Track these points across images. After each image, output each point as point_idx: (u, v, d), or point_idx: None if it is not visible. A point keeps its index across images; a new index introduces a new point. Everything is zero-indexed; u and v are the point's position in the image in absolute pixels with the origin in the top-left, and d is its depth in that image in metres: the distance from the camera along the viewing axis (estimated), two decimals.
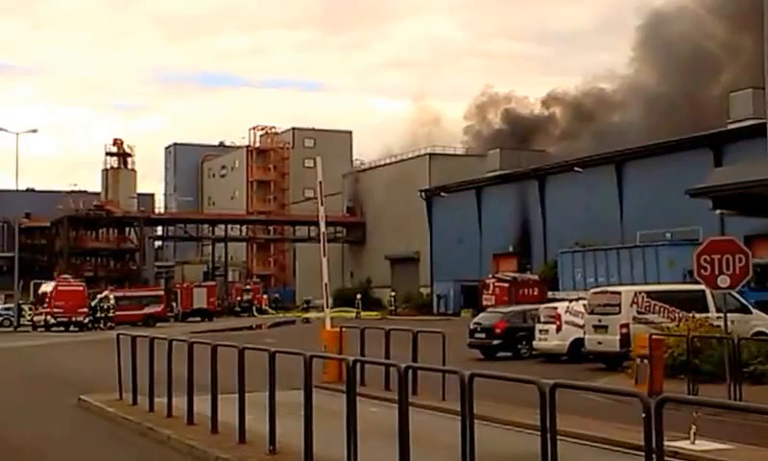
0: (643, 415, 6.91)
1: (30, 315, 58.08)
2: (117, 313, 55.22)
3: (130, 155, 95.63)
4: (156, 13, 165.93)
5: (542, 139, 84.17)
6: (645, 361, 17.10)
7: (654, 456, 6.95)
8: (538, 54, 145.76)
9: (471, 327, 29.04)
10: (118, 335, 17.58)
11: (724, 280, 16.33)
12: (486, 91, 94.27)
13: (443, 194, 73.99)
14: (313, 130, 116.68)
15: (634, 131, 65.73)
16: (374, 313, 66.44)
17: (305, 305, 78.95)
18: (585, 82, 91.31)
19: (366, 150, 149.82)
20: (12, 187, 74.73)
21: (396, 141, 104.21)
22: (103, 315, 54.94)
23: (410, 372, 12.12)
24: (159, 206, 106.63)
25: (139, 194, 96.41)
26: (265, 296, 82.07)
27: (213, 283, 76.64)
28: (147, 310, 58.48)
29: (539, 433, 7.92)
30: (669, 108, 66.27)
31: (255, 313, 74.00)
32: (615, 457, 11.43)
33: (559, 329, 25.70)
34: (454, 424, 8.70)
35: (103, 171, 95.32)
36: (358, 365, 13.63)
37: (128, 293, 63.77)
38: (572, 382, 9.67)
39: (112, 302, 56.15)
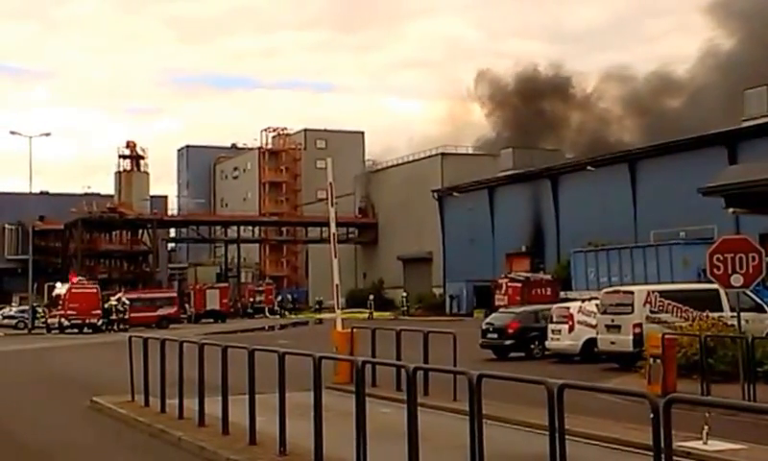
0: (651, 415, 6.87)
1: (44, 317, 58.34)
2: (131, 315, 55.27)
3: (142, 157, 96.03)
4: (169, 16, 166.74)
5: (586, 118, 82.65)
6: (658, 361, 17.02)
7: (663, 456, 6.91)
8: (552, 53, 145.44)
9: (484, 327, 28.99)
10: (130, 337, 17.65)
11: (737, 279, 16.24)
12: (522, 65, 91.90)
13: (455, 194, 73.92)
14: (325, 131, 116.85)
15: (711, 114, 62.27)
16: (387, 314, 66.54)
17: (317, 306, 79.02)
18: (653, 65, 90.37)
19: (379, 150, 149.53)
20: (26, 190, 75.08)
21: (419, 139, 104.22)
22: (117, 317, 55.09)
23: (421, 373, 12.14)
24: (172, 208, 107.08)
25: (152, 196, 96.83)
26: (279, 297, 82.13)
27: (226, 285, 76.84)
28: (160, 312, 58.62)
29: (548, 433, 7.89)
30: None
31: (268, 314, 74.09)
32: (626, 457, 11.39)
33: (571, 329, 25.60)
34: (465, 424, 8.69)
35: (116, 173, 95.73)
36: (369, 366, 13.70)
37: (141, 295, 63.96)
38: (580, 383, 9.63)
39: (126, 303, 56.26)
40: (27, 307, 60.95)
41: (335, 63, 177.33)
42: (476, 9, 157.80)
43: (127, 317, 54.43)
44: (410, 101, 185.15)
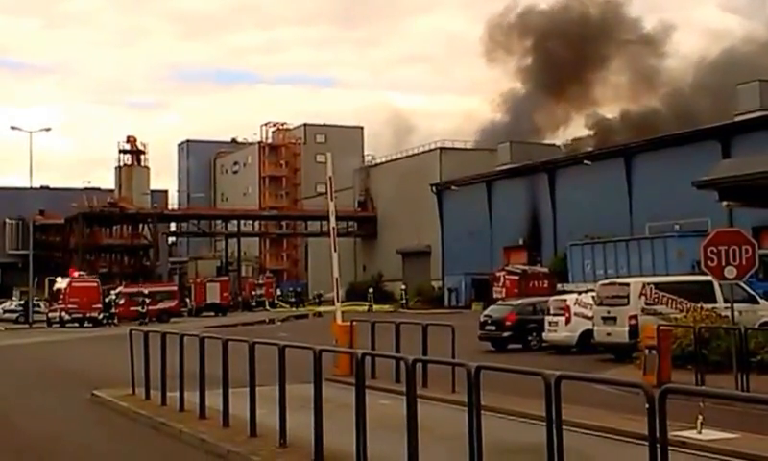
0: (647, 406, 7.01)
1: (45, 311, 58.46)
2: (132, 309, 55.41)
3: (143, 152, 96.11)
4: (171, 11, 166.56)
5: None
6: (653, 352, 17.22)
7: (658, 446, 7.05)
8: None
9: (482, 319, 29.20)
10: (131, 331, 17.76)
11: (731, 271, 16.43)
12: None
13: (453, 188, 74.08)
14: (324, 125, 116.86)
15: None
16: (386, 306, 66.64)
17: (317, 299, 79.19)
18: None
19: (379, 144, 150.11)
20: (27, 185, 75.22)
21: (419, 134, 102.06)
22: (116, 311, 55.24)
23: (420, 365, 12.30)
24: (173, 202, 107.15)
25: (152, 191, 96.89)
26: (279, 291, 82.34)
27: (226, 278, 76.96)
28: (161, 306, 58.77)
29: (545, 424, 8.04)
30: None
31: (268, 307, 74.28)
32: (622, 447, 11.55)
33: (568, 321, 25.81)
34: (463, 415, 8.78)
35: (116, 168, 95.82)
36: (368, 358, 13.86)
37: (142, 289, 64.11)
38: (577, 374, 9.77)
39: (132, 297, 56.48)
40: (28, 301, 61.05)
41: (336, 59, 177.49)
42: (477, 4, 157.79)
43: (145, 311, 54.40)
44: (411, 96, 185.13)
